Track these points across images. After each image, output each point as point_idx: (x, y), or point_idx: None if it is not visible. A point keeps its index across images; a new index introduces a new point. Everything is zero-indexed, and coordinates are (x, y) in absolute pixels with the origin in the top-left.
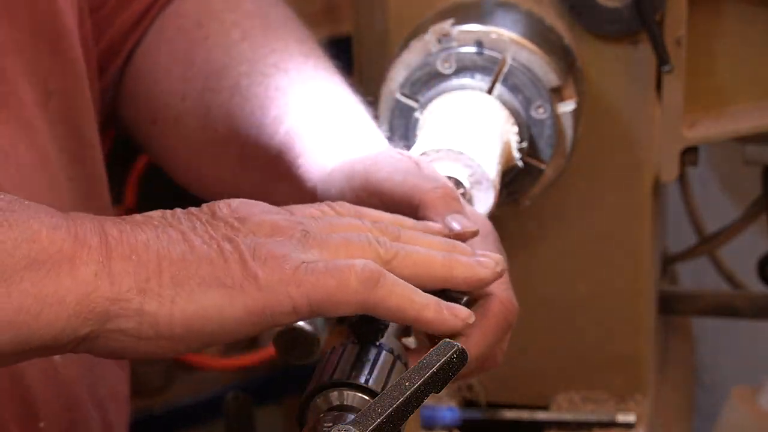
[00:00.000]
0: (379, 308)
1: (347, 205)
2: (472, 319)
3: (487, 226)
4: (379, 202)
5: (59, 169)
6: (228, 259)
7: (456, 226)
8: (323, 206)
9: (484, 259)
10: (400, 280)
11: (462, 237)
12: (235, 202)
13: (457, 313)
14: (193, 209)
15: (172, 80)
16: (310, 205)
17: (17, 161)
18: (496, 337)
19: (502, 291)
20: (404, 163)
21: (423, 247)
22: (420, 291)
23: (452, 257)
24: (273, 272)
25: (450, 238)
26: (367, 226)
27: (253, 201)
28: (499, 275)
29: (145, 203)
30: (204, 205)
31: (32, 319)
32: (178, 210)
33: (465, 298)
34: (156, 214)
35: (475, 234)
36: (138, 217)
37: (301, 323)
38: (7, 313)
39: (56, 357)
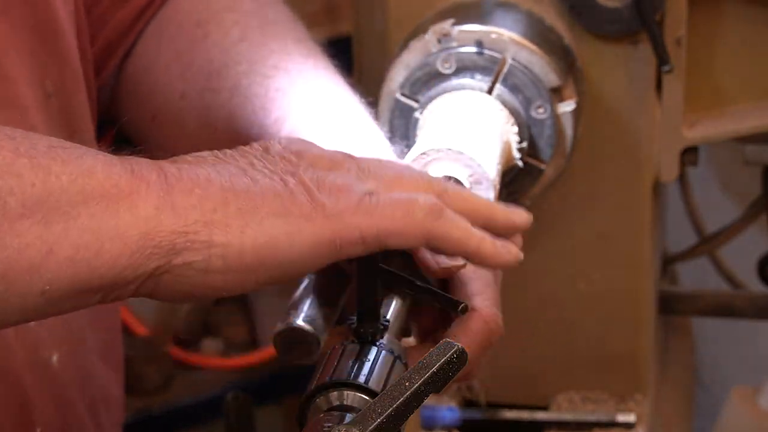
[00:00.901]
0: (443, 240)
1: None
2: (521, 257)
3: None
4: None
5: None
6: (293, 191)
7: (444, 259)
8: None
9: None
10: (457, 214)
11: (449, 272)
12: (286, 139)
13: (510, 249)
14: (243, 147)
15: (171, 78)
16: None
17: None
18: (474, 355)
19: (486, 307)
20: None
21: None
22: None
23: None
24: (340, 202)
25: (437, 271)
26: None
27: (303, 138)
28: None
29: None
30: (254, 143)
31: (93, 255)
32: (228, 149)
33: (462, 305)
34: (207, 153)
35: (462, 266)
36: (188, 157)
37: (300, 323)
38: (66, 250)
39: (53, 358)
